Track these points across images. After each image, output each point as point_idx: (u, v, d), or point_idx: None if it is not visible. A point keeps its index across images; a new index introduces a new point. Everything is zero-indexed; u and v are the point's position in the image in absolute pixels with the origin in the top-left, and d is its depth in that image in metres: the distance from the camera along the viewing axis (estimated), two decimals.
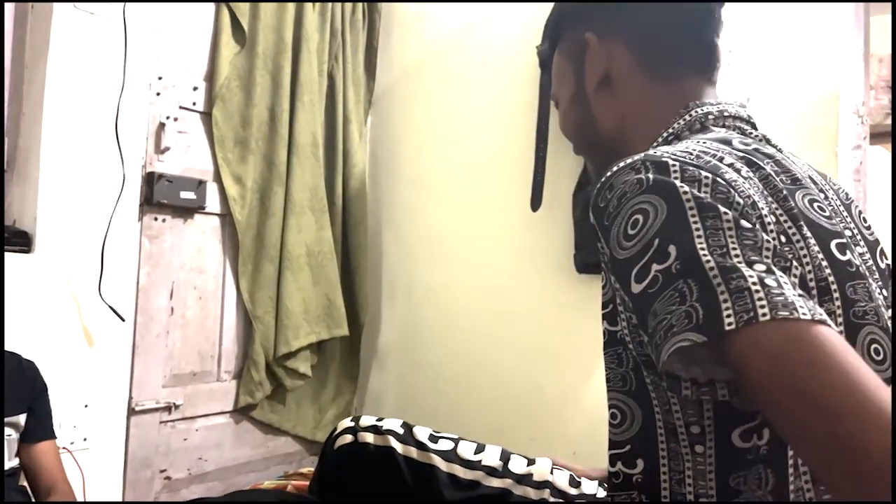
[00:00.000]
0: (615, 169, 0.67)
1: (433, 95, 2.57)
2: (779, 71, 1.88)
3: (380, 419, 1.10)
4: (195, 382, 2.16)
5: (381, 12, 2.70)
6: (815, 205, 0.71)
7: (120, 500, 1.90)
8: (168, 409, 2.07)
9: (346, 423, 1.11)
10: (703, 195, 0.61)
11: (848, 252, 0.69)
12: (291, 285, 2.30)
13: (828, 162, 1.78)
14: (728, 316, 0.54)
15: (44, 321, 1.70)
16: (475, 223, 2.42)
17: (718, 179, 0.63)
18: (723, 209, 0.60)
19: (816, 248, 0.66)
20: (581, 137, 0.93)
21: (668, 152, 0.66)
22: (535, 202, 2.17)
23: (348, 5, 2.55)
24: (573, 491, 1.06)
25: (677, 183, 0.62)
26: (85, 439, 1.79)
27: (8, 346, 1.53)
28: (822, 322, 0.54)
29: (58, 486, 1.49)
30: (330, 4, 2.46)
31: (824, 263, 0.66)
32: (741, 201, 0.62)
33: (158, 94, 2.04)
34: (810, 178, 0.76)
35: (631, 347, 0.71)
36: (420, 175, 2.59)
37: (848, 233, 0.74)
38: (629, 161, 0.66)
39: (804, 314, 0.53)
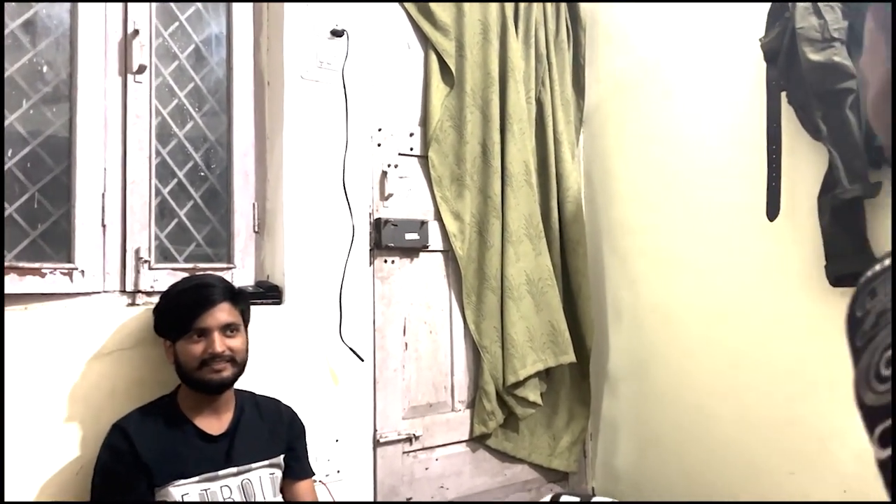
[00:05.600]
0: None
1: (648, 106, 2.44)
2: None
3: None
4: (432, 413, 2.26)
5: (585, 28, 2.64)
6: None
7: None
8: (409, 440, 2.18)
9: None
10: None
11: None
12: (514, 314, 2.31)
13: None
14: None
15: (295, 365, 1.89)
16: (703, 238, 2.24)
17: None
18: None
19: None
20: None
21: None
22: (772, 210, 1.95)
23: (552, 27, 2.53)
24: None
25: None
26: (338, 472, 1.95)
27: (265, 391, 1.72)
28: None
29: None
30: (533, 30, 2.45)
31: None
32: None
33: (379, 144, 2.18)
34: None
35: None
36: (639, 191, 2.47)
37: None
38: None
39: None
